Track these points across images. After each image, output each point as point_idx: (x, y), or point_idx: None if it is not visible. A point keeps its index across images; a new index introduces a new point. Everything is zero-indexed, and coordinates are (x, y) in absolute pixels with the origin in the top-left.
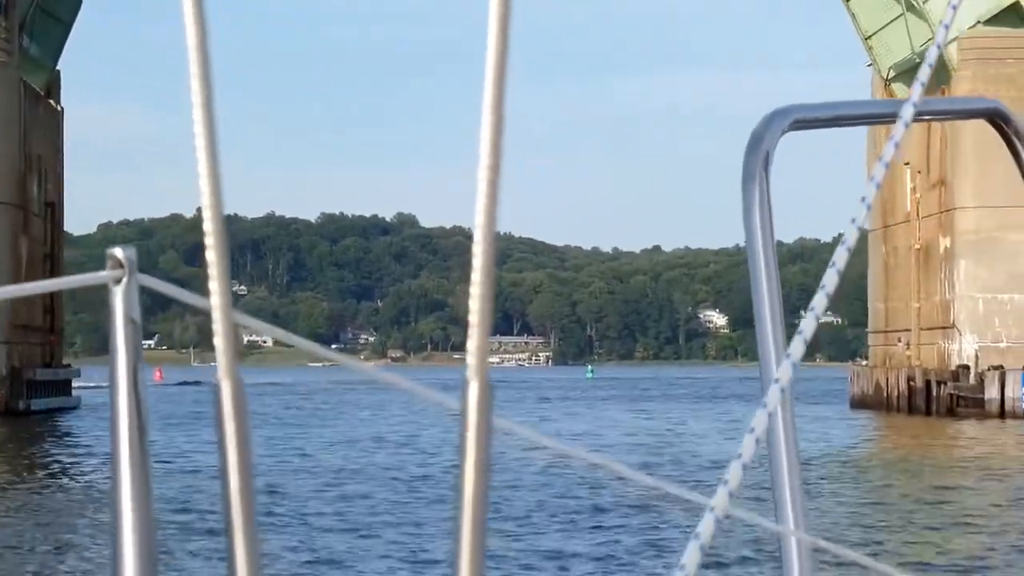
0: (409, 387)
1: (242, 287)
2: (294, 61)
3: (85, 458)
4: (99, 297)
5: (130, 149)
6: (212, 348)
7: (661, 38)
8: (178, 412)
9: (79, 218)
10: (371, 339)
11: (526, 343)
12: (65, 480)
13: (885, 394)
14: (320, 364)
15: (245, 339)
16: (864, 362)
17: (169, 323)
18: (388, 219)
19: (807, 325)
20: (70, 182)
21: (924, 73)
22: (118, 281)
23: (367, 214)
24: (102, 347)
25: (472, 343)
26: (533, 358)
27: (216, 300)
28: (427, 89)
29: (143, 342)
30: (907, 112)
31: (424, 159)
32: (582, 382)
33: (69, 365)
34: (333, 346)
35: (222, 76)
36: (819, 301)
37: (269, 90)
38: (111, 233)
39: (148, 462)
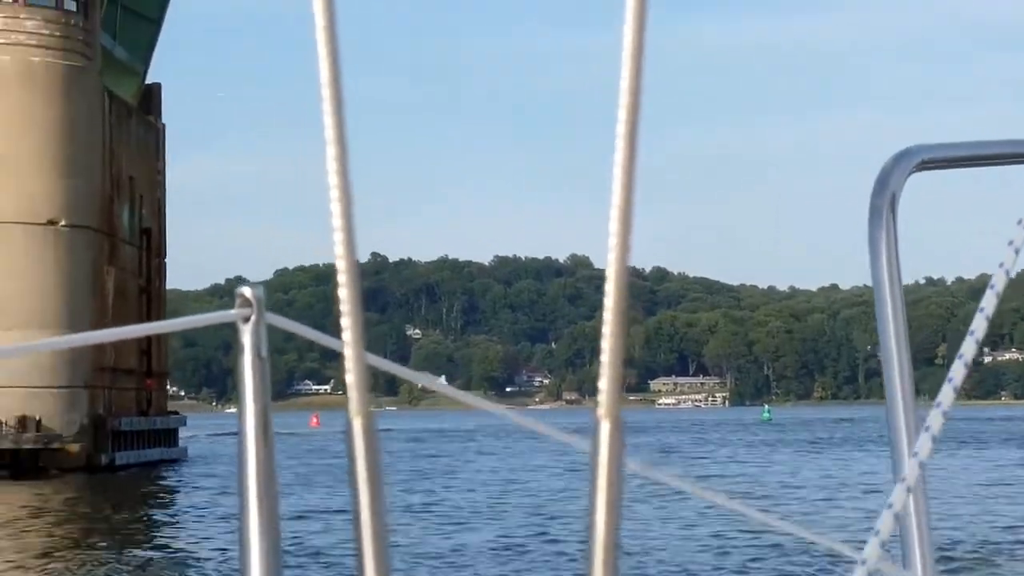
0: (540, 428)
1: (416, 331)
2: (468, 105)
3: (147, 522)
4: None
5: (302, 192)
6: (385, 393)
7: (830, 72)
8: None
9: (257, 265)
10: (545, 381)
11: (702, 383)
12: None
13: None
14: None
15: (419, 385)
16: None
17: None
18: (562, 260)
19: (956, 372)
20: (238, 230)
21: None
22: (247, 319)
23: (541, 256)
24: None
25: (603, 382)
26: (709, 399)
27: (348, 337)
28: (601, 130)
29: (320, 387)
30: None
31: (597, 199)
32: (755, 426)
33: (176, 412)
34: (507, 388)
35: (397, 119)
36: (968, 348)
37: (444, 133)
38: (287, 279)
39: (276, 504)
